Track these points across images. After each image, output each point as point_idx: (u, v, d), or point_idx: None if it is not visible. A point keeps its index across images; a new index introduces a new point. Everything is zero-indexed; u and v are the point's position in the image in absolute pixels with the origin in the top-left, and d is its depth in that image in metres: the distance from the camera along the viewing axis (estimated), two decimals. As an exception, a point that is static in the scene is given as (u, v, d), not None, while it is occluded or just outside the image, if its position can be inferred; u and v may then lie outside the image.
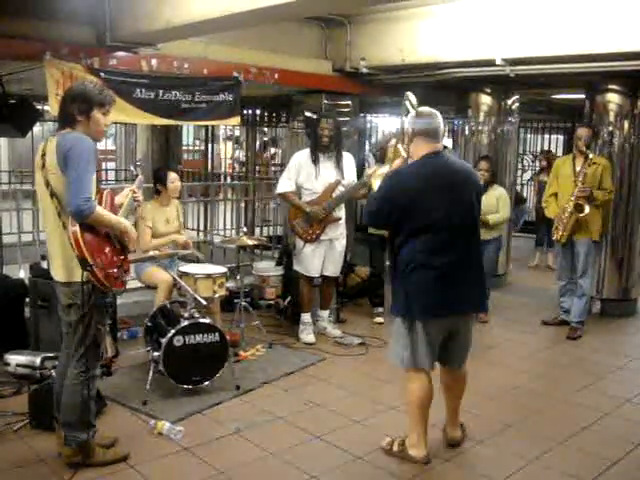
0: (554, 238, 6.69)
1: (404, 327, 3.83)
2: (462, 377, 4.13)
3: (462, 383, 4.14)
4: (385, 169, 6.44)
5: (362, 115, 10.86)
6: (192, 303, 4.96)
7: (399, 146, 4.08)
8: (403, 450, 4.00)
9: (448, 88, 8.42)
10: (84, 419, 3.70)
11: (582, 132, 6.57)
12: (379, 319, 6.92)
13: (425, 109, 3.90)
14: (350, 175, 6.21)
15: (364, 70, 7.60)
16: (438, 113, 3.86)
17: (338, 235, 6.21)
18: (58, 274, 3.60)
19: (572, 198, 6.40)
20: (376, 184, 6.48)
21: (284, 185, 6.17)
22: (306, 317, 6.31)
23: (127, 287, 3.86)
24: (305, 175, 6.10)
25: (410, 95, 4.24)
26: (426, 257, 3.66)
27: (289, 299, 6.82)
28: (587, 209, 6.35)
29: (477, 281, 3.84)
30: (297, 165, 6.15)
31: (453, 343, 3.94)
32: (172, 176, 5.84)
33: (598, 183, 6.50)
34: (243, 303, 5.88)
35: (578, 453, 4.16)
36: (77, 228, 3.35)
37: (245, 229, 6.48)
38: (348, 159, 6.27)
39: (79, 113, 3.51)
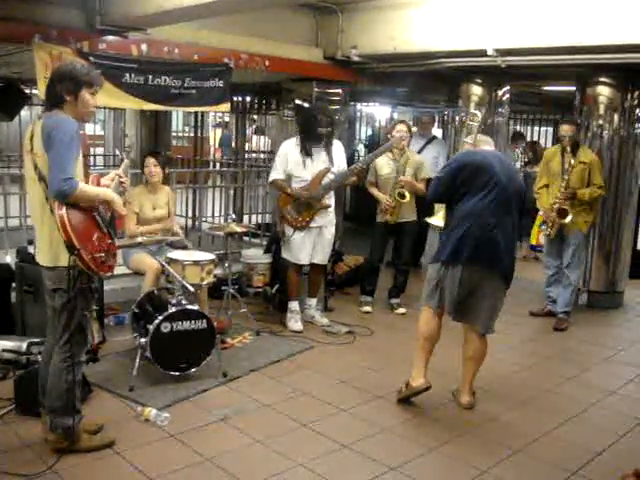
0: (545, 234, 6.71)
1: (431, 271, 4.51)
2: (478, 345, 4.60)
3: (480, 350, 4.61)
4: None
5: (352, 104, 10.82)
6: (180, 290, 4.94)
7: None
8: (408, 387, 4.55)
9: (439, 78, 8.41)
10: (69, 405, 3.68)
11: (566, 129, 6.55)
12: (367, 308, 6.91)
13: (482, 137, 4.89)
14: (340, 163, 6.19)
15: (355, 58, 7.58)
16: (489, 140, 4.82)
17: (327, 223, 6.20)
18: (44, 258, 3.58)
19: (557, 201, 6.43)
20: (385, 170, 6.59)
21: (274, 174, 6.16)
22: (294, 305, 6.30)
23: (114, 273, 3.85)
24: (294, 163, 6.07)
25: (478, 113, 5.35)
26: (474, 207, 4.31)
27: (277, 287, 6.80)
28: (570, 217, 6.41)
29: (510, 251, 4.43)
30: (285, 154, 6.13)
31: (476, 300, 4.44)
32: (147, 161, 5.86)
33: (587, 181, 6.50)
34: (231, 290, 5.87)
35: (563, 444, 4.18)
36: (64, 212, 3.32)
37: (234, 216, 6.44)
38: (338, 147, 6.25)
39: (67, 93, 3.48)
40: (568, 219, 6.40)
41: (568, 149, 6.49)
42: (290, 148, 6.14)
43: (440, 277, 4.44)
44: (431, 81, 8.71)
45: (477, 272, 4.35)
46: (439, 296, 4.47)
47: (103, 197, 3.57)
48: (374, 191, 6.79)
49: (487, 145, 4.73)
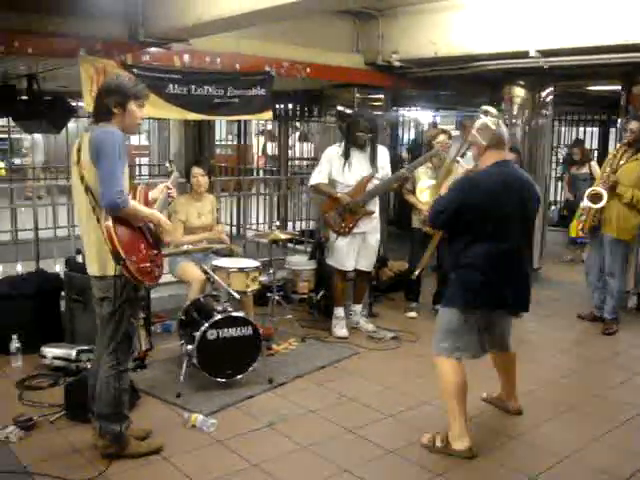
0: (579, 227, 6.54)
1: (451, 317, 3.99)
2: (512, 357, 4.45)
3: (512, 362, 4.47)
4: (430, 183, 6.45)
5: (394, 109, 10.81)
6: (225, 297, 4.99)
7: (459, 159, 4.23)
8: (447, 445, 4.00)
9: (481, 81, 8.34)
10: (118, 411, 3.73)
11: (634, 125, 6.25)
12: (412, 314, 6.88)
13: (492, 118, 4.06)
14: (385, 169, 6.18)
15: (396, 63, 7.57)
16: (501, 122, 4.04)
17: (371, 229, 6.18)
18: (92, 268, 3.64)
19: (595, 188, 6.28)
20: (422, 196, 6.53)
21: (316, 177, 6.16)
22: (339, 311, 6.30)
23: (160, 281, 3.89)
24: (337, 169, 6.07)
25: (490, 109, 4.33)
26: (487, 255, 3.83)
27: (322, 293, 6.81)
28: (603, 201, 6.19)
29: (527, 284, 4.02)
30: (329, 159, 6.13)
31: (501, 331, 4.24)
32: (194, 171, 5.88)
33: (636, 183, 6.25)
34: (276, 297, 5.90)
35: (613, 450, 4.09)
36: (110, 222, 3.38)
37: (278, 223, 6.48)
38: (383, 152, 6.22)
39: (115, 106, 3.54)
40: (601, 204, 6.20)
41: (630, 141, 6.27)
42: (333, 154, 6.14)
43: (459, 323, 3.98)
44: (473, 84, 8.65)
45: (500, 314, 4.13)
46: (465, 344, 4.01)
47: (150, 219, 3.65)
48: (412, 198, 6.76)
49: (499, 152, 3.95)
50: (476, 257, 3.85)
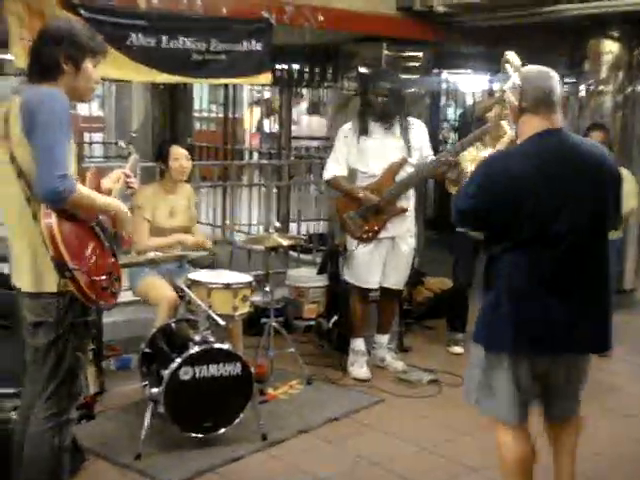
0: None
1: (485, 362, 3.71)
2: (572, 430, 3.94)
3: (572, 437, 3.94)
4: (487, 153, 6.40)
5: (437, 71, 10.78)
6: (205, 322, 4.95)
7: (503, 122, 3.97)
8: None
9: (557, 32, 8.29)
10: (55, 479, 3.70)
11: None
12: (457, 349, 6.86)
13: (533, 70, 3.70)
14: (422, 151, 6.15)
15: (440, 9, 7.55)
16: (552, 73, 3.64)
17: (404, 232, 6.16)
18: (23, 282, 3.57)
19: None
20: (469, 169, 6.49)
21: (332, 169, 6.16)
22: (358, 344, 6.28)
23: (118, 301, 3.86)
24: (357, 153, 6.06)
25: (510, 55, 4.13)
26: (530, 275, 3.54)
27: (335, 319, 6.79)
28: None
29: (600, 311, 3.68)
30: (346, 141, 6.12)
31: (554, 389, 3.81)
32: (176, 152, 5.84)
33: None
34: (273, 324, 5.87)
35: None
36: (53, 219, 3.30)
37: (277, 224, 6.46)
38: (419, 129, 6.21)
39: (66, 61, 3.49)
40: None
41: None
42: (351, 133, 6.12)
43: (494, 369, 3.70)
44: (546, 37, 8.59)
45: (552, 359, 3.70)
46: (514, 400, 3.69)
47: (106, 210, 3.61)
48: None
49: (543, 117, 3.59)
50: (512, 272, 3.57)
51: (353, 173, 6.13)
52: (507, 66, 4.01)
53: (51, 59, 3.50)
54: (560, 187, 3.48)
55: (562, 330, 3.55)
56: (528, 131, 3.59)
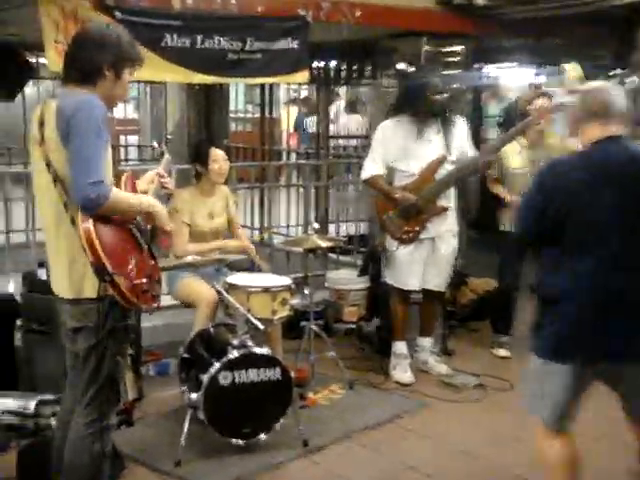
0: None
1: (541, 370, 3.76)
2: None
3: None
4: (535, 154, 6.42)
5: (478, 66, 10.74)
6: (244, 327, 5.00)
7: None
8: None
9: (603, 23, 8.21)
10: (96, 485, 3.74)
11: None
12: (502, 351, 6.84)
13: (594, 83, 3.89)
14: (462, 148, 6.15)
15: (479, 1, 7.52)
16: (615, 87, 3.81)
17: (445, 232, 6.16)
18: (62, 287, 3.62)
19: None
20: (513, 163, 6.49)
21: (369, 168, 6.17)
22: (400, 347, 6.28)
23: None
24: (396, 152, 6.06)
25: (570, 67, 4.15)
26: (584, 283, 3.58)
27: (377, 322, 6.81)
28: None
29: None
30: (384, 140, 6.12)
31: (629, 391, 3.82)
32: (216, 154, 5.88)
33: None
34: (313, 327, 5.90)
35: None
36: (90, 224, 3.33)
37: (316, 225, 6.48)
38: (459, 126, 6.20)
39: (109, 68, 3.54)
40: None
41: None
42: (391, 130, 6.13)
43: (550, 376, 3.74)
44: (591, 28, 8.52)
45: (614, 367, 3.72)
46: (565, 408, 3.77)
47: (146, 208, 3.63)
48: (500, 191, 6.70)
49: (603, 125, 3.66)
50: (566, 279, 3.62)
51: (392, 172, 6.13)
52: (564, 77, 4.03)
53: (92, 64, 3.53)
54: (619, 196, 3.54)
55: (614, 338, 3.58)
56: (587, 138, 3.67)
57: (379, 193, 6.25)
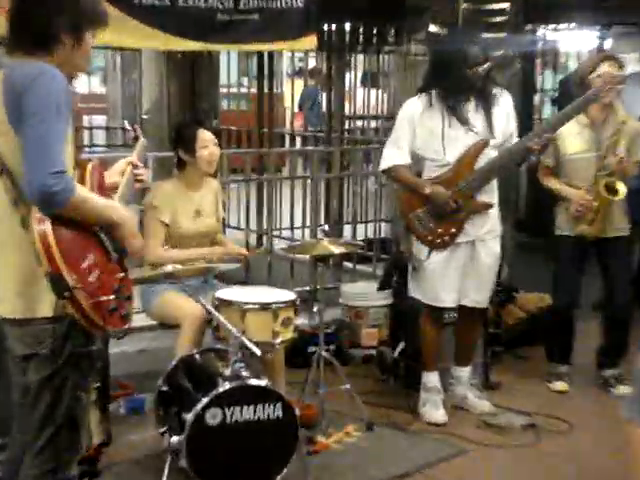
0: None
1: None
2: None
3: None
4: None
5: (529, 28, 10.75)
6: (238, 353, 4.98)
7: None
8: None
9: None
10: None
11: None
12: (560, 385, 6.83)
13: None
14: (507, 130, 6.15)
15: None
16: None
17: (486, 235, 6.15)
18: (9, 306, 3.60)
19: None
20: (569, 147, 6.50)
21: (391, 156, 6.14)
22: (432, 379, 6.29)
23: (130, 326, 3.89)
24: (426, 136, 6.05)
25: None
26: None
27: (402, 347, 6.81)
28: None
29: None
30: (411, 120, 6.10)
31: None
32: (204, 137, 5.89)
33: None
34: (324, 353, 5.88)
35: None
36: (47, 226, 3.30)
37: (327, 227, 6.49)
38: (504, 103, 6.19)
39: (65, 32, 3.52)
40: None
41: None
42: (420, 109, 6.12)
43: None
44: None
45: None
46: None
47: (110, 218, 3.56)
48: (554, 183, 6.68)
49: None
50: None
51: (420, 161, 6.12)
52: None
53: (47, 28, 3.51)
54: None
55: None
56: None
57: (404, 187, 6.24)
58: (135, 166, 3.96)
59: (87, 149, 13.25)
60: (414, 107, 6.14)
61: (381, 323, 7.15)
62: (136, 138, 4.15)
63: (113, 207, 3.62)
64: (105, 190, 3.75)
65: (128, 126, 4.37)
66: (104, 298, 3.45)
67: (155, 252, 5.72)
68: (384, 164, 6.21)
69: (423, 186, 6.01)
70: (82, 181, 3.57)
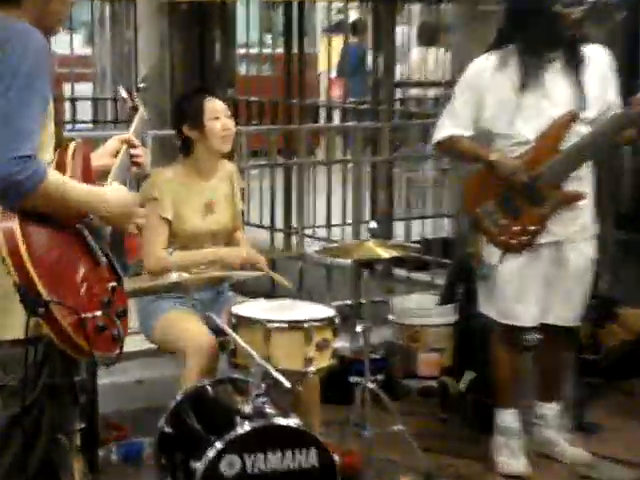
0: None
1: None
2: None
3: None
4: None
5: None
6: (260, 384, 4.99)
7: None
8: None
9: None
10: None
11: None
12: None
13: None
14: (605, 98, 6.12)
15: None
16: None
17: (576, 234, 6.14)
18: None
19: None
20: None
21: (446, 126, 6.16)
22: (508, 418, 6.26)
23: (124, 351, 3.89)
24: (497, 106, 6.04)
25: None
26: None
27: (470, 377, 6.80)
28: None
29: None
30: (478, 86, 6.10)
31: None
32: (215, 107, 5.91)
33: None
34: (370, 385, 5.88)
35: None
36: (14, 223, 3.31)
37: (374, 224, 6.48)
38: (600, 63, 6.16)
39: None
40: None
41: None
42: (490, 71, 6.10)
43: None
44: None
45: None
46: None
47: (96, 210, 3.57)
48: None
49: None
50: None
51: (488, 137, 6.11)
52: None
53: None
54: None
55: None
56: None
57: (462, 159, 6.25)
58: (132, 145, 3.95)
59: (69, 126, 13.28)
60: (482, 68, 6.13)
61: (443, 347, 7.14)
62: (134, 109, 4.14)
63: (99, 194, 3.60)
64: (91, 176, 3.74)
65: (123, 93, 4.33)
66: (90, 315, 3.43)
67: (156, 255, 5.74)
68: (439, 135, 6.22)
69: (487, 153, 6.00)
70: (63, 166, 3.57)
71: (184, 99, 6.17)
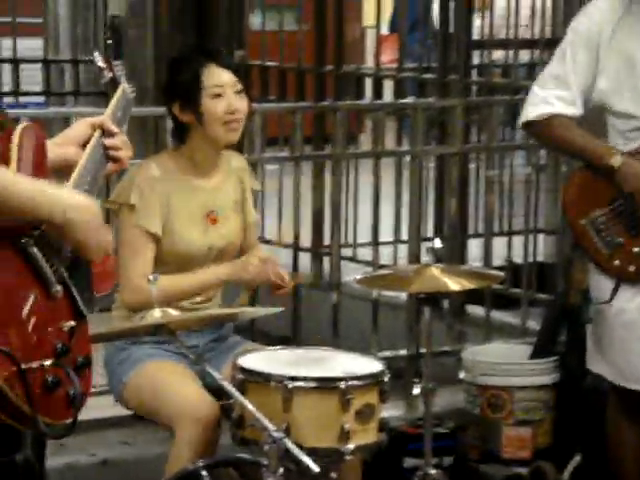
0: None
1: None
2: None
3: None
4: None
5: None
6: (278, 467, 4.99)
7: None
8: None
9: None
10: None
11: None
12: None
13: None
14: None
15: None
16: None
17: None
18: None
19: None
20: None
21: (546, 98, 6.09)
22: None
23: (82, 417, 3.91)
24: (619, 69, 6.02)
25: None
26: None
27: (577, 462, 6.79)
28: None
29: None
30: (593, 40, 6.05)
31: None
32: (218, 76, 5.91)
33: None
34: (432, 472, 5.90)
35: None
36: None
37: (439, 243, 6.51)
38: None
39: None
40: None
41: None
42: (610, 19, 6.07)
43: None
44: None
45: None
46: None
47: (49, 215, 3.55)
48: None
49: None
50: None
51: (601, 117, 6.11)
52: None
53: None
54: None
55: None
56: None
57: (564, 151, 6.27)
58: (108, 133, 3.97)
59: (10, 99, 13.34)
60: (600, 14, 6.09)
61: (538, 418, 7.14)
62: (113, 82, 4.16)
63: (55, 194, 3.58)
64: (46, 170, 3.76)
65: (99, 60, 4.33)
66: (35, 364, 3.44)
67: (132, 285, 5.71)
68: (533, 112, 6.11)
69: (604, 153, 5.95)
70: (5, 156, 3.58)
71: (173, 65, 6.14)
